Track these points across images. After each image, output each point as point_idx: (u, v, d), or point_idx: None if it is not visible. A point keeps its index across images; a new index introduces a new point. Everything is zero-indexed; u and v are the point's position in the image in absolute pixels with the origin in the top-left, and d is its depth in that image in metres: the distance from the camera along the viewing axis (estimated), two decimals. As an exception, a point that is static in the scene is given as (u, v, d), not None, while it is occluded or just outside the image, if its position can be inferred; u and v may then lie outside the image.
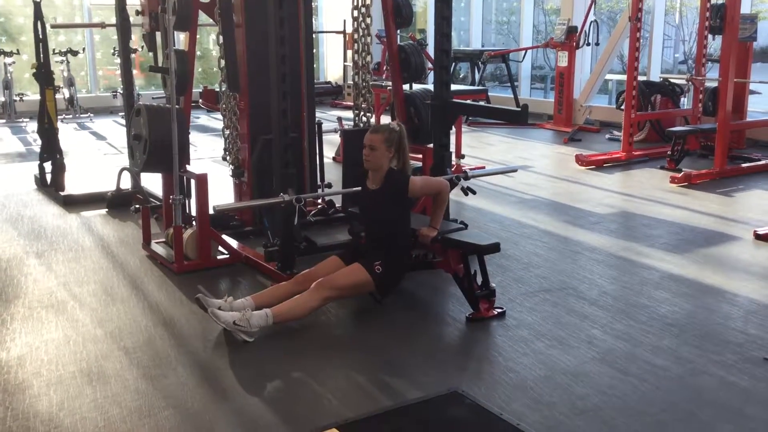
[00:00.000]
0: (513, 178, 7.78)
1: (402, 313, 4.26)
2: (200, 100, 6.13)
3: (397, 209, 4.18)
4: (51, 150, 4.18)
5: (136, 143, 4.84)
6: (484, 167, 7.60)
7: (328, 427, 2.93)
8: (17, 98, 12.02)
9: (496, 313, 4.13)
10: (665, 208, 6.51)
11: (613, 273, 4.86)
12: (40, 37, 3.75)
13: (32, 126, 11.56)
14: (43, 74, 3.87)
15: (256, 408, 3.17)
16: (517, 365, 3.57)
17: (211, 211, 4.75)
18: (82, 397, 3.24)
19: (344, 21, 14.17)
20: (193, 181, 4.77)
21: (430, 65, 13.86)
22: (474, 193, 5.11)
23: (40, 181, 4.35)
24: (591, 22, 10.54)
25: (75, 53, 11.65)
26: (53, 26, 11.22)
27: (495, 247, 4.14)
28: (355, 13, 5.55)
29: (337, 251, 4.35)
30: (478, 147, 9.75)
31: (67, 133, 10.66)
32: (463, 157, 8.05)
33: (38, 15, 3.73)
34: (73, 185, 6.92)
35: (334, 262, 4.16)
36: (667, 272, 4.84)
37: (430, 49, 14.71)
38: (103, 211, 6.44)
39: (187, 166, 4.86)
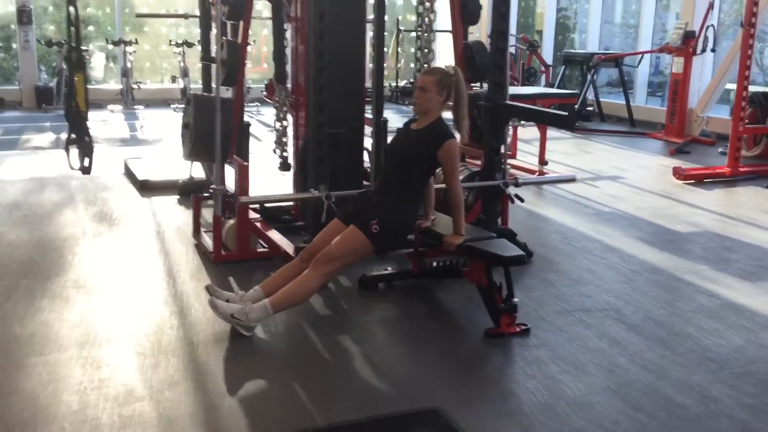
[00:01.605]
0: (598, 189, 7.37)
1: (421, 321, 4.07)
2: (263, 93, 6.13)
3: (419, 160, 3.93)
4: (79, 134, 4.24)
5: (185, 132, 4.87)
6: (549, 174, 7.23)
7: (282, 435, 2.80)
8: (135, 86, 12.59)
9: (518, 329, 3.86)
10: (756, 231, 5.93)
11: (668, 297, 4.45)
12: (72, 21, 3.83)
13: (145, 113, 12.13)
14: (74, 59, 3.94)
15: (227, 408, 3.08)
16: (518, 389, 3.31)
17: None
18: (68, 380, 3.26)
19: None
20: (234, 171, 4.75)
21: (542, 68, 13.53)
22: (522, 200, 4.82)
23: (68, 164, 4.43)
24: (708, 26, 9.82)
25: (191, 45, 12.07)
26: (138, 15, 11.72)
27: (518, 260, 3.87)
28: (420, 8, 5.35)
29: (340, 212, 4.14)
30: (573, 154, 9.32)
31: (176, 119, 11.05)
32: (546, 163, 7.70)
33: (71, 1, 3.81)
34: (154, 171, 7.16)
35: (335, 225, 3.97)
36: (730, 301, 4.38)
37: (547, 52, 14.36)
38: (175, 197, 6.59)
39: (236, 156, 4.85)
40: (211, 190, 4.65)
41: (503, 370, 3.56)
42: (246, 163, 4.76)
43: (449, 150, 3.87)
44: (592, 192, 7.22)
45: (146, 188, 6.81)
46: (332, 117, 4.83)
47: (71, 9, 3.87)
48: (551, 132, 11.05)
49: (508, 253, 3.85)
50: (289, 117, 5.57)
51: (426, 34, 5.35)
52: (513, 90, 8.15)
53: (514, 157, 8.76)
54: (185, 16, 7.76)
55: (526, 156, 8.73)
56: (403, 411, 3.04)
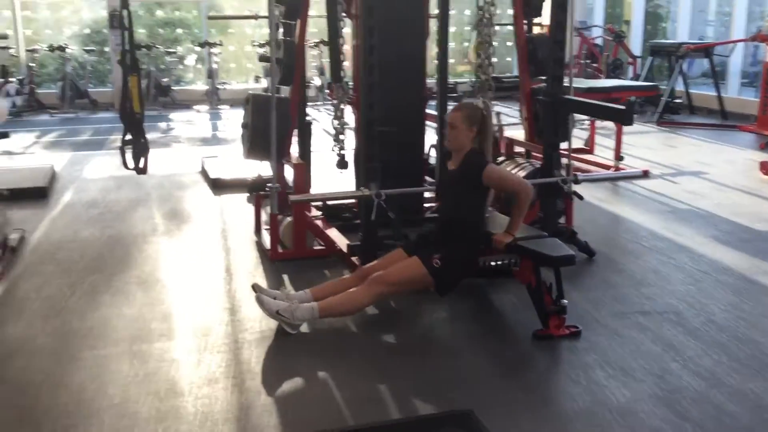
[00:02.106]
0: (677, 185, 7.07)
1: (469, 322, 4.00)
2: (327, 92, 6.16)
3: (469, 195, 3.90)
4: (135, 134, 4.36)
5: (244, 131, 4.95)
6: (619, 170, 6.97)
7: (308, 435, 2.80)
8: (220, 86, 12.91)
9: (567, 332, 3.73)
10: None
11: (735, 300, 4.22)
12: (126, 26, 3.95)
13: (229, 113, 12.41)
14: (128, 61, 4.06)
15: (261, 406, 3.10)
16: (560, 393, 3.21)
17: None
18: (115, 374, 3.36)
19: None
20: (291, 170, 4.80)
21: (629, 59, 13.08)
22: (580, 198, 4.67)
23: (122, 163, 4.57)
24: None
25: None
26: (210, 18, 11.96)
27: (567, 260, 3.74)
28: (481, 1, 5.25)
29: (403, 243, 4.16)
30: (656, 149, 8.97)
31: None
32: (621, 159, 7.44)
33: (124, 4, 3.93)
34: (227, 170, 7.31)
35: (398, 254, 3.98)
36: (803, 305, 4.13)
37: (635, 42, 13.89)
38: (245, 195, 6.70)
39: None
40: (267, 189, 4.70)
41: (547, 373, 3.46)
42: (301, 162, 4.79)
43: (491, 173, 3.85)
44: (671, 188, 6.93)
45: (218, 186, 6.97)
46: (388, 114, 4.83)
47: (124, 12, 3.98)
48: (638, 126, 10.72)
49: (557, 252, 3.73)
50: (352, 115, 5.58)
51: (486, 29, 5.24)
52: (590, 83, 7.96)
53: (592, 152, 8.52)
54: (255, 17, 7.89)
55: (607, 152, 8.43)
56: (434, 413, 2.99)
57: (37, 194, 6.66)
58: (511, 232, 3.85)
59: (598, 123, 8.43)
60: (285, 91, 5.50)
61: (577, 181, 4.70)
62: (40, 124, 11.33)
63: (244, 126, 4.92)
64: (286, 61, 4.78)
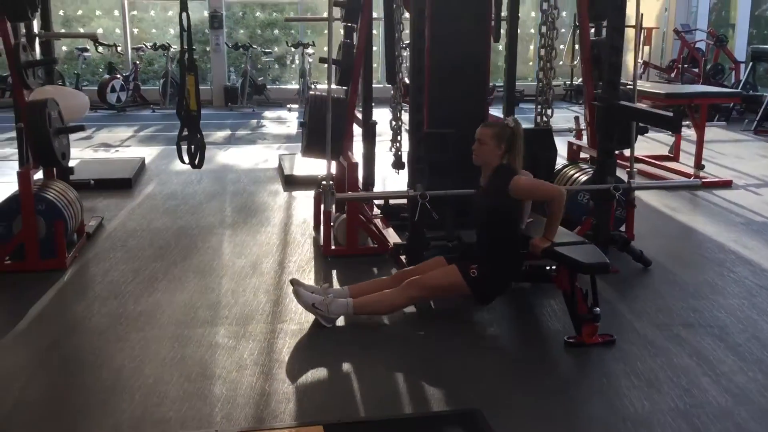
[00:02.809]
0: (759, 196, 6.80)
1: (505, 325, 4.02)
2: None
3: (500, 209, 3.90)
4: (191, 131, 4.57)
5: (303, 129, 5.11)
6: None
7: (314, 424, 2.90)
8: (312, 85, 13.22)
9: (601, 340, 3.69)
10: None
11: (789, 317, 4.05)
12: (185, 27, 4.16)
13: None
14: (185, 61, 4.27)
15: (281, 393, 3.23)
16: (579, 401, 3.20)
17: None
18: (155, 355, 3.57)
19: (641, 15, 13.28)
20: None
21: (732, 65, 12.58)
22: (633, 206, 4.57)
23: (179, 158, 4.79)
24: None
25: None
26: (287, 20, 12.18)
27: (599, 268, 3.69)
28: (544, 5, 5.23)
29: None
30: (746, 158, 8.60)
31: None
32: (702, 167, 7.20)
33: (184, 7, 4.13)
34: (301, 166, 7.51)
35: (437, 262, 4.03)
36: None
37: (739, 46, 13.33)
38: (314, 192, 6.87)
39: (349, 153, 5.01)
40: (321, 186, 4.83)
41: (569, 379, 3.44)
42: (354, 161, 4.90)
43: (520, 186, 3.83)
44: (751, 199, 6.66)
45: (290, 182, 7.18)
46: (450, 116, 4.88)
47: (184, 15, 4.19)
48: (733, 134, 10.33)
49: (590, 260, 3.69)
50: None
51: (550, 32, 5.21)
52: (672, 88, 7.74)
53: (677, 160, 8.28)
54: (326, 20, 8.02)
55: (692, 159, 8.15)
56: (441, 411, 3.03)
57: (122, 185, 7.05)
58: (549, 237, 3.83)
59: (686, 131, 8.17)
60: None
61: (629, 188, 4.60)
62: (141, 119, 11.91)
63: (302, 125, 5.08)
64: (343, 62, 4.90)
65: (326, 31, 4.45)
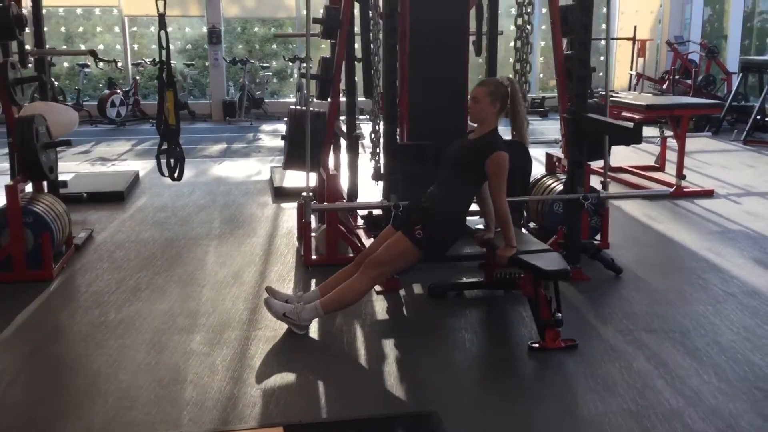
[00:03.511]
0: (739, 205, 6.90)
1: (472, 331, 4.12)
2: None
3: (471, 169, 3.95)
4: (169, 144, 4.72)
5: (284, 143, 5.26)
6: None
7: (275, 425, 3.02)
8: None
9: (563, 345, 3.80)
10: None
11: (751, 323, 4.15)
12: (163, 45, 4.31)
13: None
14: (163, 77, 4.43)
15: (249, 396, 3.35)
16: (534, 403, 3.32)
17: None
18: (131, 361, 3.70)
19: (635, 27, 13.46)
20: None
21: (723, 76, 12.70)
22: (601, 215, 4.69)
23: (159, 171, 4.94)
24: None
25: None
26: (276, 36, 12.38)
27: (560, 274, 3.81)
28: (519, 21, 5.36)
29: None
30: (732, 168, 8.71)
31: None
32: (684, 177, 7.31)
33: (162, 26, 4.29)
34: (291, 178, 7.64)
35: (387, 232, 4.11)
36: (821, 331, 4.02)
37: (731, 57, 13.44)
38: (303, 204, 7.02)
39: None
40: (302, 198, 4.97)
41: (528, 383, 3.55)
42: (333, 173, 5.04)
43: (496, 161, 3.88)
44: (730, 208, 6.76)
45: (280, 194, 7.33)
46: (430, 128, 5.00)
47: (162, 33, 4.35)
48: (722, 144, 10.44)
49: (552, 267, 3.81)
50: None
51: (524, 46, 5.35)
52: (649, 100, 7.86)
53: (662, 170, 8.40)
54: (320, 36, 8.19)
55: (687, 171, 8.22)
56: (398, 413, 3.15)
57: (115, 198, 7.20)
58: (510, 244, 3.94)
59: (672, 142, 8.29)
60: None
61: (598, 198, 4.72)
62: (140, 133, 12.09)
63: (283, 138, 5.22)
64: (321, 77, 5.05)
65: (323, 46, 4.59)
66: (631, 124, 4.11)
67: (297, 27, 14.57)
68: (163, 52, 4.41)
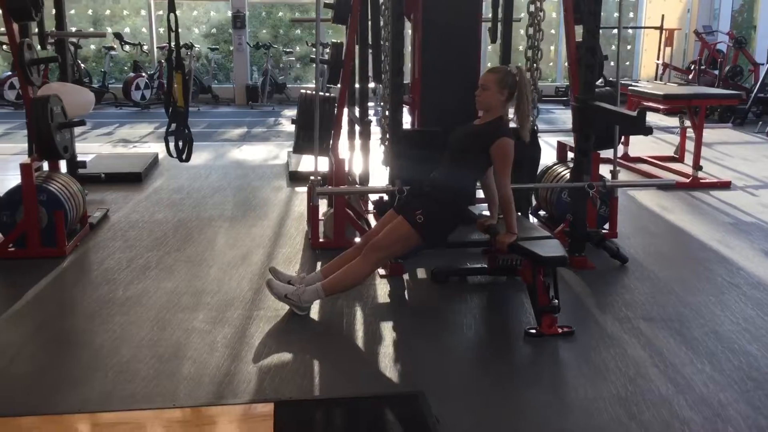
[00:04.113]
0: (755, 198, 6.84)
1: (470, 315, 4.17)
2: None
3: (475, 155, 3.97)
4: (178, 127, 4.79)
5: (294, 127, 5.31)
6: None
7: (267, 401, 3.09)
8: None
9: (560, 331, 3.82)
10: None
11: (751, 314, 4.13)
12: (173, 28, 4.38)
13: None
14: (173, 59, 4.49)
15: (245, 373, 3.42)
16: (524, 386, 3.36)
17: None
18: (134, 337, 3.79)
19: (662, 16, 13.31)
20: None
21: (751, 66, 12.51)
22: (606, 203, 4.69)
23: (167, 152, 5.01)
24: None
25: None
26: (291, 21, 12.39)
27: (558, 261, 3.83)
28: (531, 7, 5.35)
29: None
30: (752, 160, 8.63)
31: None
32: (700, 168, 7.25)
33: (172, 8, 4.35)
34: (306, 163, 7.70)
35: (389, 216, 4.15)
36: (822, 324, 3.99)
37: (761, 48, 13.24)
38: (318, 188, 7.07)
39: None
40: (310, 182, 5.03)
41: (520, 368, 3.58)
42: (341, 158, 5.09)
43: (501, 147, 3.89)
44: (746, 200, 6.71)
45: (294, 179, 7.40)
46: (439, 116, 5.01)
47: (172, 15, 4.41)
48: (745, 135, 10.32)
49: (549, 253, 3.82)
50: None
51: (536, 33, 5.33)
52: (668, 90, 7.79)
53: (682, 161, 8.34)
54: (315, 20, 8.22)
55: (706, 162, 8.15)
56: (385, 392, 3.20)
57: (132, 179, 7.32)
58: (511, 231, 3.96)
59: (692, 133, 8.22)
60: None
61: (604, 188, 4.72)
62: (163, 116, 12.08)
63: (293, 122, 5.28)
64: (331, 62, 5.08)
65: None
66: (635, 113, 4.09)
67: (321, 12, 14.59)
68: (173, 35, 4.45)
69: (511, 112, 4.11)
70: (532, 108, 5.26)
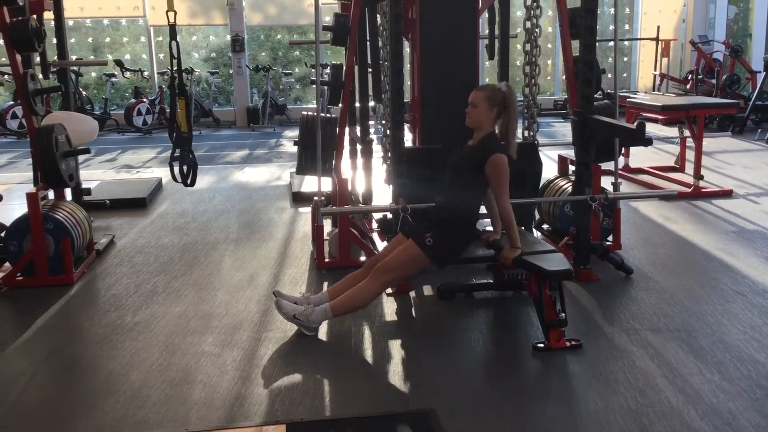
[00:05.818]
0: (757, 205, 6.86)
1: (477, 331, 4.17)
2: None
3: (473, 175, 4.00)
4: (182, 152, 4.83)
5: (297, 148, 5.35)
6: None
7: (278, 423, 3.10)
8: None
9: (568, 344, 3.84)
10: None
11: (758, 322, 4.14)
12: (174, 55, 4.43)
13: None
14: (175, 85, 4.54)
15: (255, 396, 3.43)
16: (534, 400, 3.36)
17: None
18: (144, 362, 3.80)
19: (657, 27, 13.40)
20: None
21: (748, 75, 12.58)
22: (609, 216, 4.71)
23: (172, 177, 5.05)
24: None
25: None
26: (291, 43, 12.48)
27: (563, 275, 3.84)
28: (528, 24, 5.41)
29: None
30: (753, 168, 8.65)
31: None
32: (701, 178, 7.28)
33: (173, 36, 4.41)
34: (308, 183, 7.75)
35: (398, 239, 4.20)
36: (829, 330, 4.00)
37: (757, 56, 13.32)
38: (321, 208, 7.11)
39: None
40: (314, 202, 5.06)
41: (530, 382, 3.59)
42: (344, 177, 5.12)
43: (494, 164, 3.93)
44: (749, 209, 6.73)
45: (297, 199, 7.44)
46: (440, 133, 5.05)
47: (173, 43, 4.47)
48: (745, 144, 10.36)
49: (554, 267, 3.85)
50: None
51: (533, 50, 5.39)
52: (666, 101, 7.84)
53: (682, 170, 8.37)
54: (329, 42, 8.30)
55: (707, 171, 8.15)
56: (397, 411, 3.21)
57: (137, 204, 7.36)
58: (514, 245, 3.99)
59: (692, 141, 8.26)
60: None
61: (606, 200, 4.75)
62: (165, 141, 12.23)
63: (296, 143, 5.32)
64: (331, 83, 5.13)
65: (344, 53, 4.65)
66: (634, 126, 4.13)
67: (320, 35, 14.71)
68: (174, 62, 4.51)
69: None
70: (532, 122, 5.34)
